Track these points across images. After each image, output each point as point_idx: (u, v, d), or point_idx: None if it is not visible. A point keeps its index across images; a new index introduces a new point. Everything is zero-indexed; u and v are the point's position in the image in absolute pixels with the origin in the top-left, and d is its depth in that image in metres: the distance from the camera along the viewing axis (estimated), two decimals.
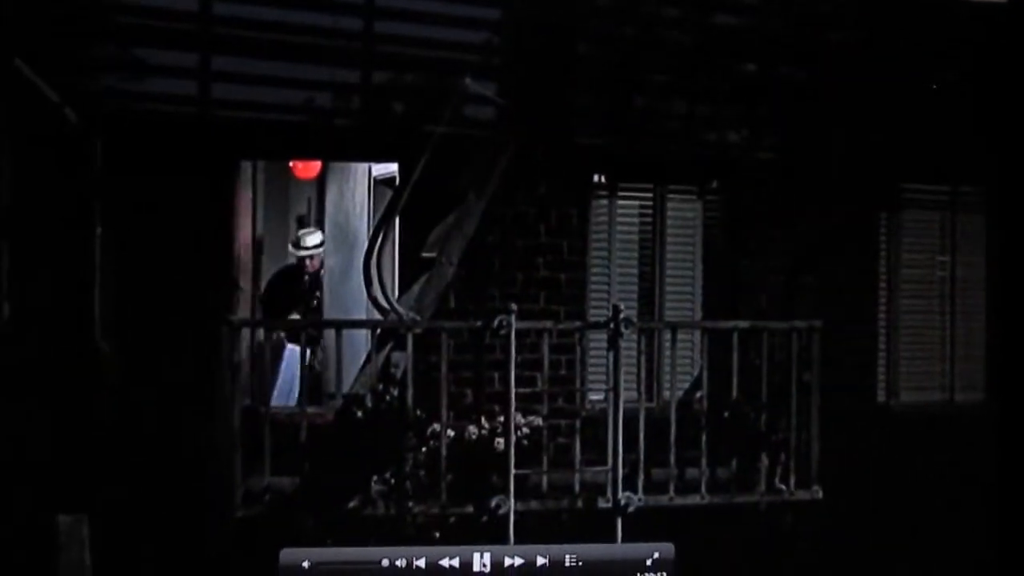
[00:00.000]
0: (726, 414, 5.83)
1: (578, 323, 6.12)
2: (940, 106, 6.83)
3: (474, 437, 5.56)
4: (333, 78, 6.06)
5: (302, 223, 9.89)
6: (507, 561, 4.92)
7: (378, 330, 5.69)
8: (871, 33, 6.69)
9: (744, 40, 6.64)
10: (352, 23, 6.00)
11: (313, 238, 7.83)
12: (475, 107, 5.99)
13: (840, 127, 6.71)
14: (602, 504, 5.56)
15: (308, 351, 5.77)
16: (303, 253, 7.76)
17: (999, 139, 6.97)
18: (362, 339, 6.33)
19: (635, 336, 5.77)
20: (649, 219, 6.66)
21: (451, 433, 5.50)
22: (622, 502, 5.50)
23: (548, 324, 5.85)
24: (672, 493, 5.72)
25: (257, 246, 7.93)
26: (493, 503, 5.35)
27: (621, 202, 6.63)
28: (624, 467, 5.57)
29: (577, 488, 5.63)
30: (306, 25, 5.93)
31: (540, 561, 4.95)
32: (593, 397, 6.28)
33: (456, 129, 5.79)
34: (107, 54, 5.83)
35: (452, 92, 5.78)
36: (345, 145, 6.31)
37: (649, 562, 5.01)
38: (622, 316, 5.63)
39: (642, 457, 5.65)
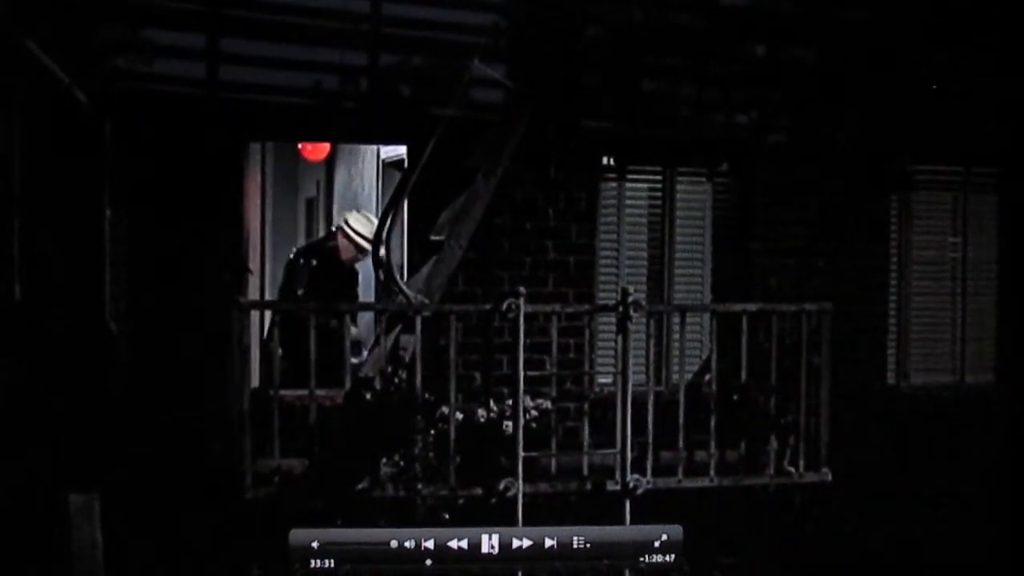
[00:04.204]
0: (735, 397, 5.82)
1: (587, 306, 6.10)
2: (952, 86, 6.78)
3: (483, 420, 5.56)
4: (342, 60, 6.04)
5: (310, 205, 9.89)
6: (515, 543, 4.93)
7: (387, 313, 5.69)
8: (882, 12, 6.63)
9: (753, 21, 6.58)
10: (360, 5, 5.97)
11: (364, 224, 6.66)
12: (483, 89, 5.96)
13: (851, 108, 6.66)
14: (611, 487, 5.56)
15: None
16: (353, 235, 6.57)
17: (1012, 119, 6.92)
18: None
19: (644, 319, 5.75)
20: (658, 202, 6.63)
21: (460, 416, 5.50)
22: (631, 485, 5.50)
23: (557, 307, 5.84)
24: (681, 476, 5.72)
25: (266, 228, 7.91)
26: (502, 485, 5.36)
27: (630, 185, 6.60)
28: (633, 450, 5.56)
29: (586, 471, 5.63)
30: (315, 7, 5.91)
31: (548, 543, 4.96)
32: (602, 380, 6.27)
33: (464, 112, 5.76)
34: (117, 35, 5.81)
35: (460, 74, 5.74)
36: (354, 127, 6.29)
37: (657, 544, 5.02)
38: (631, 299, 5.62)
39: (651, 440, 5.64)
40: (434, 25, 6.06)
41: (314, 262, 6.75)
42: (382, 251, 5.84)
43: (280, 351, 5.44)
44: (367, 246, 6.43)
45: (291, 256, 6.99)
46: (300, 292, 6.67)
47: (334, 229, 7.00)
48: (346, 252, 6.77)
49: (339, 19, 5.91)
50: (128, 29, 5.81)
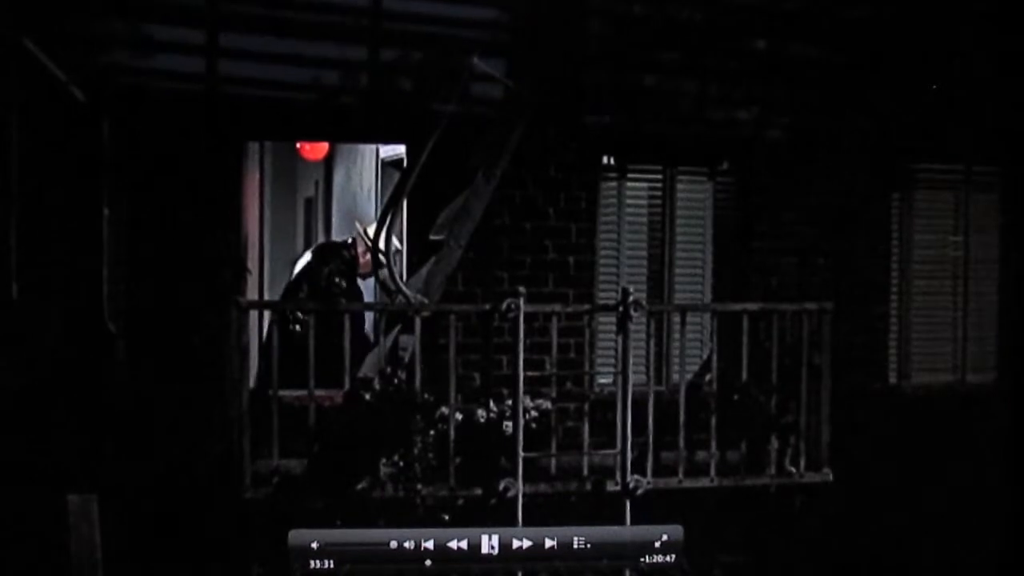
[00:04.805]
0: (736, 397, 5.80)
1: (587, 306, 6.09)
2: (954, 84, 6.76)
3: (482, 420, 5.54)
4: (341, 57, 6.02)
5: (309, 205, 9.87)
6: (515, 543, 4.92)
7: (386, 313, 5.67)
8: (884, 9, 6.62)
9: (755, 17, 6.56)
10: (360, 0, 5.96)
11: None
12: (483, 87, 5.94)
13: (852, 106, 6.64)
14: (611, 487, 5.54)
15: None
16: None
17: (1013, 118, 6.90)
18: None
19: (644, 319, 5.73)
20: (659, 201, 6.62)
21: (459, 416, 5.48)
22: (631, 485, 5.49)
23: (557, 307, 5.83)
24: (681, 476, 5.70)
25: (264, 228, 7.89)
26: (501, 486, 5.34)
27: (630, 184, 6.59)
28: (633, 450, 5.55)
29: (586, 471, 5.61)
30: (314, 2, 5.89)
31: (548, 543, 4.95)
32: (602, 380, 6.26)
33: (464, 110, 5.74)
34: (113, 32, 5.79)
35: (460, 72, 5.73)
36: (353, 126, 6.27)
37: (658, 544, 5.01)
38: (631, 299, 5.60)
39: (651, 440, 5.62)
40: (433, 20, 6.04)
41: (339, 280, 6.64)
42: (381, 249, 5.83)
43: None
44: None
45: (309, 263, 6.84)
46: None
47: (352, 239, 6.90)
48: (366, 267, 6.65)
49: (338, 14, 5.89)
50: (124, 26, 5.79)
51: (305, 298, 6.57)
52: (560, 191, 6.33)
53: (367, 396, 5.40)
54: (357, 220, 7.33)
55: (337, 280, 6.68)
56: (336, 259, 6.77)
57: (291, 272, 7.14)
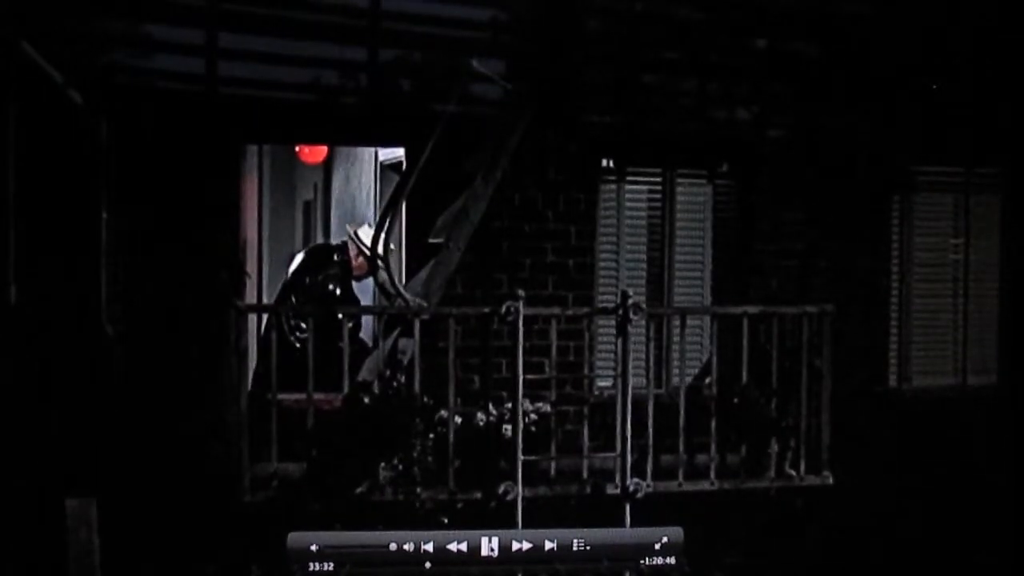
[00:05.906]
0: (736, 400, 5.79)
1: (586, 309, 6.08)
2: (954, 86, 6.75)
3: (482, 423, 5.53)
4: (340, 57, 6.01)
5: (308, 208, 9.86)
6: (515, 545, 4.91)
7: (385, 316, 5.66)
8: (885, 9, 6.62)
9: (754, 17, 6.56)
10: (359, 1, 5.95)
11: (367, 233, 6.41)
12: (482, 89, 5.94)
13: (853, 107, 6.64)
14: (611, 490, 5.53)
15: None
16: (365, 250, 6.28)
17: (1014, 120, 6.90)
18: None
19: (644, 322, 5.72)
20: (658, 203, 6.61)
21: (459, 419, 5.47)
22: (631, 488, 5.47)
23: (556, 310, 5.82)
24: (681, 479, 5.68)
25: (263, 231, 7.88)
26: (501, 489, 5.33)
27: (630, 186, 6.58)
28: (633, 453, 5.53)
29: (585, 474, 5.59)
30: (314, 2, 5.89)
31: (548, 545, 4.94)
32: (601, 383, 6.25)
33: (463, 112, 5.74)
34: (111, 33, 5.79)
35: (458, 74, 5.72)
36: (351, 129, 6.27)
37: (658, 546, 5.00)
38: (631, 302, 5.59)
39: (651, 443, 5.61)
40: (433, 21, 6.04)
41: (332, 287, 6.64)
42: (380, 254, 5.81)
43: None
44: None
45: (298, 266, 6.83)
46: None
47: (344, 242, 6.88)
48: (359, 269, 6.70)
49: (338, 14, 5.89)
50: (123, 29, 5.79)
51: (304, 305, 6.56)
52: (559, 193, 6.33)
53: (366, 399, 5.39)
54: (348, 223, 7.31)
55: (331, 287, 6.68)
56: (329, 265, 6.75)
57: (286, 273, 7.13)
